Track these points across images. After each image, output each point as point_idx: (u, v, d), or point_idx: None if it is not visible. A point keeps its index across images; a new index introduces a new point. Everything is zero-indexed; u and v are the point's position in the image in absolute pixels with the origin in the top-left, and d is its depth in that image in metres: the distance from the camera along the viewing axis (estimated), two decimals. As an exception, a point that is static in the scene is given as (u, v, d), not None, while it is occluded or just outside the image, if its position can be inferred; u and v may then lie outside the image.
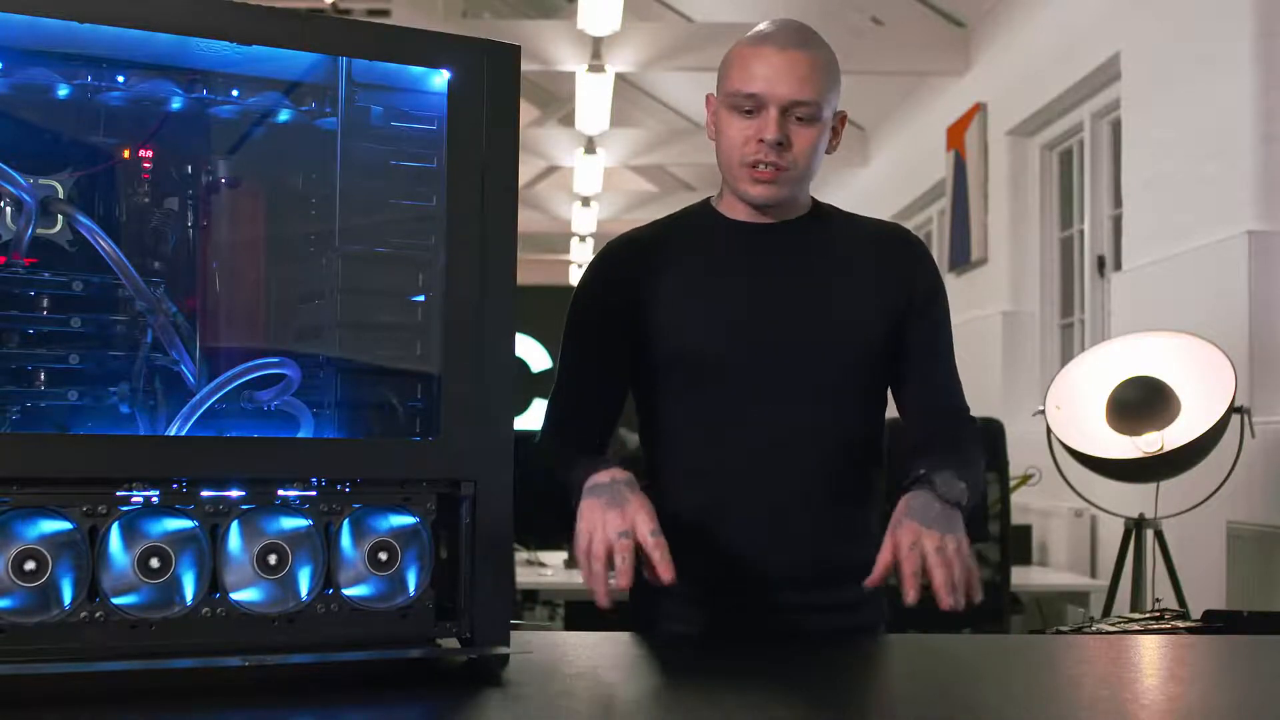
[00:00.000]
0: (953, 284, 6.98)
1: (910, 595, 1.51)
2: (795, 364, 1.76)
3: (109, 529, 1.24)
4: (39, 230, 1.32)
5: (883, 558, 1.58)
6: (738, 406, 1.76)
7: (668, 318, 1.78)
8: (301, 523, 1.32)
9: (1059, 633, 2.19)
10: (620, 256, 1.86)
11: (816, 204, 1.86)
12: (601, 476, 1.58)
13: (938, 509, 1.59)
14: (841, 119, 1.80)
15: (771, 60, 1.70)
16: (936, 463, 1.69)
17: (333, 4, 8.46)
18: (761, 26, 1.76)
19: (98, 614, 1.23)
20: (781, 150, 1.71)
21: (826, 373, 1.77)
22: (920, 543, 1.54)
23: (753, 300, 1.78)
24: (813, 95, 1.71)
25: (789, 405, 1.76)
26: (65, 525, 1.22)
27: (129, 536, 1.25)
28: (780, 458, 1.76)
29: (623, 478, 1.58)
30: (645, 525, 1.51)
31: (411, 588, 1.35)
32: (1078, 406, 3.60)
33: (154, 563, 1.25)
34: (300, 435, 1.41)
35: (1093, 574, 4.98)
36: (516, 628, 1.47)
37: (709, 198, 1.89)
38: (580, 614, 4.35)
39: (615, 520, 1.52)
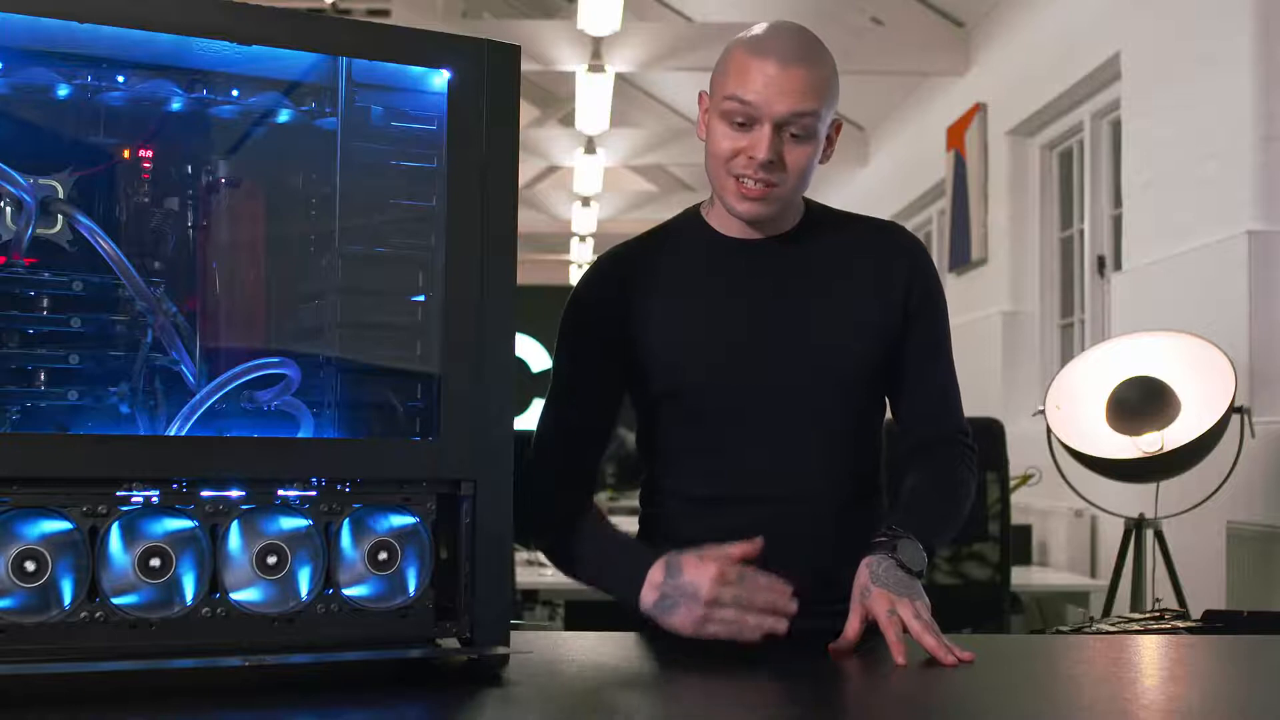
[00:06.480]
0: (953, 284, 6.97)
1: (901, 659, 1.51)
2: (795, 390, 1.74)
3: (109, 529, 1.24)
4: (39, 230, 1.32)
5: (852, 625, 1.59)
6: (737, 434, 1.74)
7: (663, 349, 1.74)
8: (301, 523, 1.32)
9: (1059, 633, 2.19)
10: (608, 281, 1.78)
11: (808, 208, 1.80)
12: (655, 575, 1.57)
13: (901, 576, 1.60)
14: (837, 128, 1.72)
15: (771, 74, 1.62)
16: (905, 522, 1.68)
17: (333, 4, 8.46)
18: (761, 30, 1.67)
19: (98, 614, 1.23)
20: (773, 169, 1.64)
21: (826, 396, 1.75)
22: (896, 611, 1.56)
23: (750, 328, 1.74)
24: (811, 107, 1.63)
25: (789, 431, 1.74)
26: (65, 525, 1.22)
27: (129, 536, 1.25)
28: (780, 481, 1.74)
29: (665, 561, 1.58)
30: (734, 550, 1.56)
31: (411, 588, 1.35)
32: (1078, 406, 3.59)
33: (154, 563, 1.25)
34: (300, 435, 1.41)
35: (1093, 574, 4.98)
36: (516, 628, 1.47)
37: (699, 205, 1.82)
38: (580, 614, 4.35)
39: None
